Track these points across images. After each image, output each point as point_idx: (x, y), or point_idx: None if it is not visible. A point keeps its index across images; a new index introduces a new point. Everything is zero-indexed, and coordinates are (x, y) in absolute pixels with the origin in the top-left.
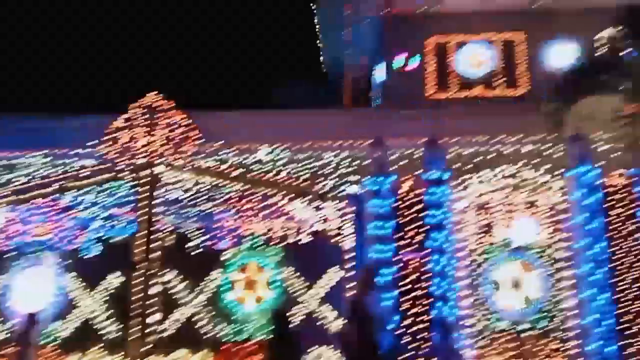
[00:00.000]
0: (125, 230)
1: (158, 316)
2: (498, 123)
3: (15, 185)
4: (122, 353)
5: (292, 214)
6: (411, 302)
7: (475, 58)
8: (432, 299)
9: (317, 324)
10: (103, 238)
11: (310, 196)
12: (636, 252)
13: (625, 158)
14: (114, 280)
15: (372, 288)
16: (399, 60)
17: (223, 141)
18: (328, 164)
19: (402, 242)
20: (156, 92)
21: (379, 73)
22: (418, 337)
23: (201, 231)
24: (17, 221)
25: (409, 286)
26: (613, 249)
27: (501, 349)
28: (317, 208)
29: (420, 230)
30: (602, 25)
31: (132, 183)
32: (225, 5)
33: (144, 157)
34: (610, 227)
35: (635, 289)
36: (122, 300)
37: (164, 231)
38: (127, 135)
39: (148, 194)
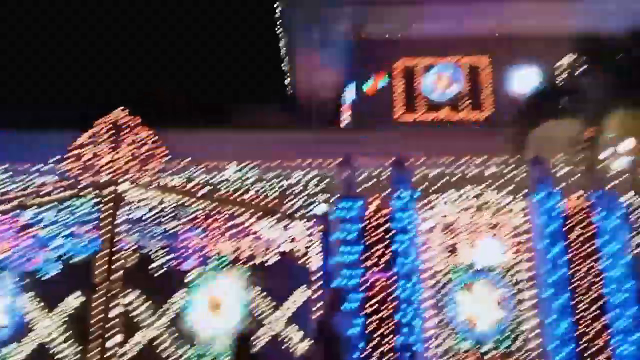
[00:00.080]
0: (86, 250)
1: (119, 338)
2: (463, 145)
3: None
4: None
5: (259, 233)
6: (377, 322)
7: (441, 81)
8: (398, 320)
9: (283, 346)
10: (63, 257)
11: (278, 215)
12: (595, 273)
13: (584, 181)
14: (74, 301)
15: (339, 309)
16: (368, 82)
17: (190, 158)
18: (296, 183)
19: (369, 263)
20: (122, 109)
21: (349, 94)
22: (384, 358)
23: (165, 251)
24: None
25: (376, 306)
26: (573, 270)
27: None
28: (285, 228)
29: (387, 250)
30: (562, 52)
31: (94, 201)
32: (194, 23)
33: (108, 174)
34: (570, 249)
35: (595, 310)
36: (81, 322)
37: (127, 250)
38: (91, 152)
39: (111, 211)
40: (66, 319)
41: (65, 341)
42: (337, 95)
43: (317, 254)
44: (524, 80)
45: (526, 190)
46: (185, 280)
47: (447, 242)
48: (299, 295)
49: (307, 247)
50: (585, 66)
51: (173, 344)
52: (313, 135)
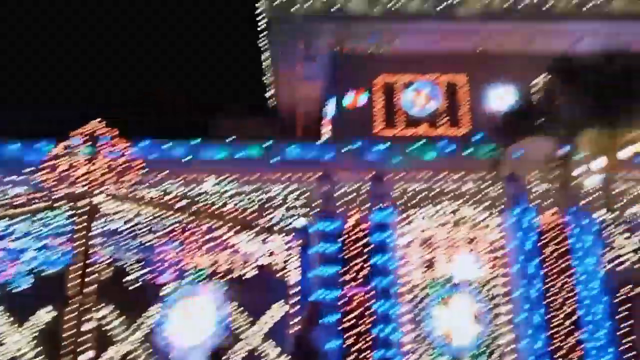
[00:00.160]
0: (59, 262)
1: (91, 354)
2: (441, 161)
3: None
4: None
5: (237, 247)
6: (355, 337)
7: (420, 98)
8: (375, 334)
9: None
10: (35, 270)
11: (257, 229)
12: (569, 288)
13: (558, 198)
14: (45, 315)
15: (317, 323)
16: (348, 97)
17: (168, 171)
18: (275, 197)
19: (347, 277)
20: (99, 120)
21: (330, 108)
22: None
23: (141, 264)
24: None
25: (354, 321)
26: (547, 285)
27: None
28: (264, 241)
29: (366, 264)
30: (538, 71)
31: (69, 213)
32: (177, 31)
33: (83, 185)
34: (545, 265)
35: (569, 325)
36: (53, 337)
37: (101, 263)
38: (67, 163)
39: (86, 224)
40: (37, 333)
41: (36, 356)
42: (318, 109)
43: (295, 268)
44: (501, 98)
45: (502, 207)
46: (161, 294)
47: (425, 256)
48: (277, 310)
49: (285, 261)
50: (559, 86)
51: None
52: (293, 148)
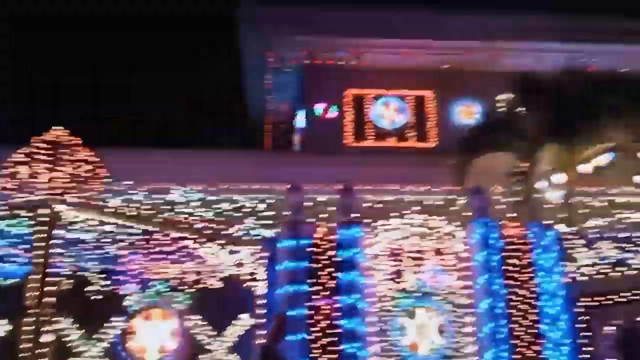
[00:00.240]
0: (17, 272)
1: None
2: (408, 173)
3: None
4: None
5: (203, 257)
6: (322, 348)
7: (389, 111)
8: (343, 346)
9: None
10: None
11: (224, 240)
12: (531, 300)
13: (520, 211)
14: (1, 326)
15: (284, 335)
16: (318, 108)
17: (133, 182)
18: (243, 207)
19: (315, 288)
20: (62, 127)
21: (299, 119)
22: None
23: (103, 274)
24: None
25: (321, 333)
26: (509, 298)
27: None
28: (231, 252)
29: (333, 275)
30: (502, 88)
31: (29, 222)
32: (145, 36)
33: (44, 194)
34: (507, 277)
35: (530, 338)
36: (9, 350)
37: (61, 274)
38: (27, 171)
39: (46, 234)
40: None
41: None
42: (288, 120)
43: (262, 279)
44: (466, 113)
45: (467, 219)
46: (124, 305)
47: (392, 268)
48: (243, 321)
49: (252, 272)
50: (522, 102)
51: None
52: (262, 158)
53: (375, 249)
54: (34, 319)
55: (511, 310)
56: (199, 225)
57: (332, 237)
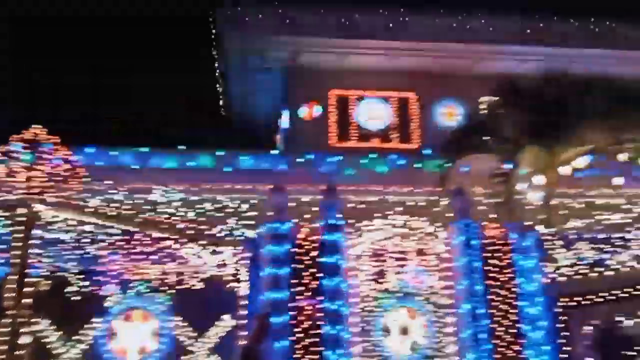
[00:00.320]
0: None
1: None
2: (391, 174)
3: None
4: None
5: (185, 257)
6: (304, 349)
7: (372, 112)
8: (325, 346)
9: None
10: None
11: (206, 240)
12: (511, 300)
13: (501, 212)
14: None
15: (266, 335)
16: (302, 109)
17: (113, 182)
18: (226, 207)
19: (298, 289)
20: (41, 126)
21: (283, 120)
22: None
23: (82, 275)
24: None
25: (303, 333)
26: (490, 298)
27: None
28: (213, 252)
29: (316, 276)
30: (484, 91)
31: (6, 222)
32: (128, 37)
33: (22, 193)
34: (488, 278)
35: (510, 337)
36: None
37: (40, 274)
38: (4, 170)
39: (24, 234)
40: None
41: None
42: (272, 120)
43: (245, 280)
44: (448, 115)
45: (449, 220)
46: (104, 306)
47: (375, 268)
48: (225, 322)
49: (235, 273)
50: (503, 105)
51: None
52: (246, 159)
53: (358, 250)
54: (11, 320)
55: (492, 311)
56: (181, 226)
57: (315, 237)
